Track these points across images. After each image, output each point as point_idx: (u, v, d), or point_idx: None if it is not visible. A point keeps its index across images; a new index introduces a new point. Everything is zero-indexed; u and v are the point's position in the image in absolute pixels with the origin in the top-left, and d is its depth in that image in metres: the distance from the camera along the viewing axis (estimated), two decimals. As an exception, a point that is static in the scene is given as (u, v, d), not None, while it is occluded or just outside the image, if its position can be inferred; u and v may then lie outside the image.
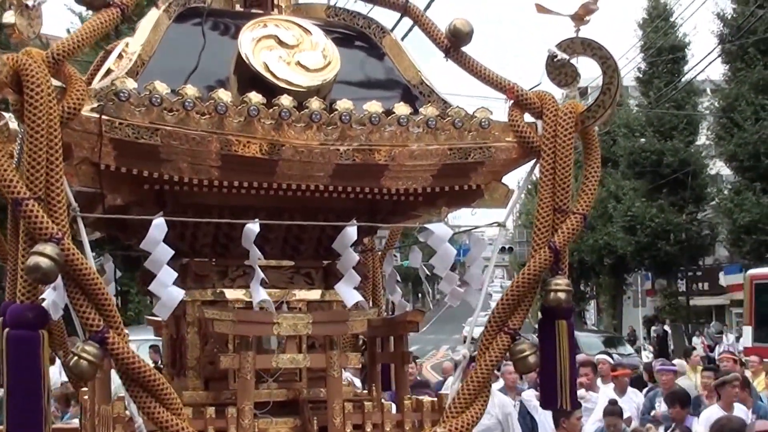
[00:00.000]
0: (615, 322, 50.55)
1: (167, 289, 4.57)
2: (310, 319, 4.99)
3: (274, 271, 5.39)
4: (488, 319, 4.88)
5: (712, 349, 33.97)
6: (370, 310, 5.34)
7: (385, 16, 5.93)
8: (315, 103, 4.73)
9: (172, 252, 4.59)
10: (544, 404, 5.37)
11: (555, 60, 5.03)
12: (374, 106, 4.83)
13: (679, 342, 39.60)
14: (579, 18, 5.04)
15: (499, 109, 5.15)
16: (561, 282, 4.85)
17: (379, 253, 6.69)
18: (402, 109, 4.90)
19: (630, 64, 39.73)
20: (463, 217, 6.33)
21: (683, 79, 40.93)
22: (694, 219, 41.95)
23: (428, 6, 16.37)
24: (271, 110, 4.64)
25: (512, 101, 5.08)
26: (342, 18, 5.69)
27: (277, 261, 5.44)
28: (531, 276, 4.83)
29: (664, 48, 42.39)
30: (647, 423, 12.52)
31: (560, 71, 5.06)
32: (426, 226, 5.05)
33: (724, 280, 43.41)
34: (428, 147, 4.93)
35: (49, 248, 4.02)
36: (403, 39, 6.21)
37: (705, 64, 47.23)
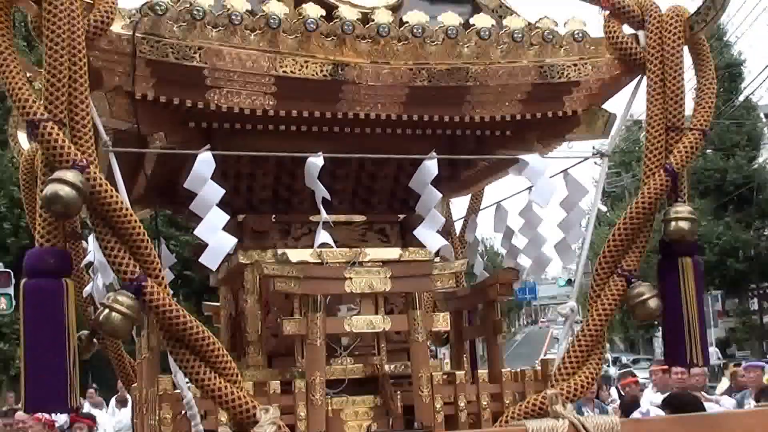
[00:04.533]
0: (685, 347, 49.12)
1: (217, 233, 3.86)
2: (388, 273, 4.28)
3: (343, 227, 4.71)
4: (597, 261, 4.13)
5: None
6: (457, 262, 4.60)
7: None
8: (383, 15, 4.07)
9: (223, 191, 3.90)
10: (670, 360, 4.54)
11: None
12: (450, 18, 4.16)
13: (758, 363, 38.34)
14: None
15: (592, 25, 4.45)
16: (682, 209, 4.10)
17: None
18: (483, 21, 4.21)
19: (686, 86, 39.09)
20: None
21: (741, 97, 40.28)
22: (762, 235, 40.94)
23: None
24: (331, 24, 3.99)
25: (608, 11, 4.37)
26: None
27: (346, 216, 4.76)
28: (646, 205, 4.07)
29: (719, 67, 41.66)
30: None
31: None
32: (520, 157, 4.32)
33: (798, 295, 42.20)
34: (515, 64, 4.24)
35: (70, 175, 3.31)
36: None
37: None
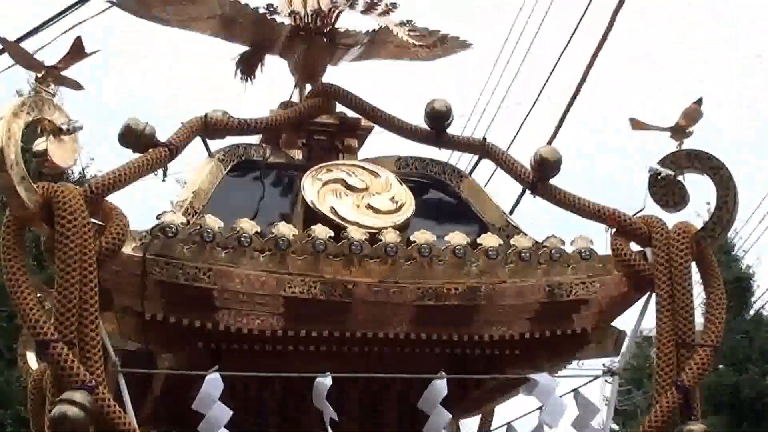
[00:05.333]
0: None
1: None
2: (399, 499, 4.17)
3: (350, 447, 4.61)
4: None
5: None
6: (469, 487, 4.49)
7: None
8: (390, 236, 4.13)
9: (230, 412, 3.86)
10: None
11: (659, 178, 4.40)
12: (458, 237, 4.21)
13: None
14: (680, 130, 4.44)
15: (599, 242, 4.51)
16: (695, 428, 4.04)
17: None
18: (490, 240, 4.27)
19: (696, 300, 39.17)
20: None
21: (751, 311, 40.17)
22: (779, 452, 39.93)
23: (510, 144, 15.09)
24: (339, 244, 4.04)
25: (614, 229, 4.42)
26: (414, 167, 5.11)
27: (354, 435, 4.67)
28: (659, 423, 4.02)
29: (728, 281, 41.69)
30: None
31: (666, 191, 4.42)
32: (530, 376, 4.29)
33: None
34: (523, 283, 4.27)
35: (78, 395, 3.34)
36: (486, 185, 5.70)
37: (771, 293, 46.21)
